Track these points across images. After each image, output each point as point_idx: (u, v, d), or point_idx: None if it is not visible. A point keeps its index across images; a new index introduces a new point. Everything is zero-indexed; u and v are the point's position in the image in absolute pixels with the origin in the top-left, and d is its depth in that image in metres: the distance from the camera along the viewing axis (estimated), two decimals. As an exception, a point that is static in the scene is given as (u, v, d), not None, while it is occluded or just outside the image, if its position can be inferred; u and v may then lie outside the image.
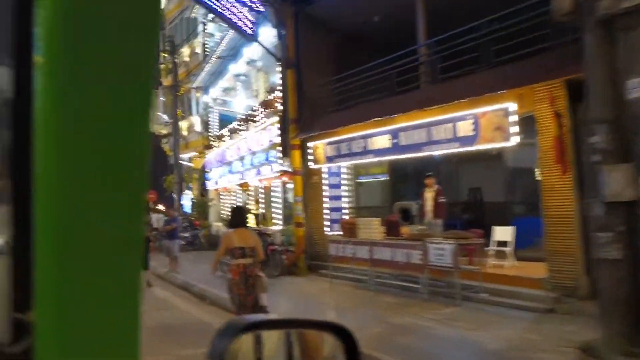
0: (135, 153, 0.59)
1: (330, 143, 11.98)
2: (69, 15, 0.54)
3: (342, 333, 0.96)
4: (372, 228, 10.20)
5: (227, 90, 21.53)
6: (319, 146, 12.35)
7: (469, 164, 11.60)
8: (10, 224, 0.62)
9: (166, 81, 27.02)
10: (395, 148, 9.94)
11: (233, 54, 18.11)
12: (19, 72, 0.61)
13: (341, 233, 12.46)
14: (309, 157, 12.73)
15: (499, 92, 7.82)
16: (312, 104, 13.15)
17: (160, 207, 23.52)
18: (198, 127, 23.83)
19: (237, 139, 17.86)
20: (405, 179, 13.33)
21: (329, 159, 12.19)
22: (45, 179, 0.56)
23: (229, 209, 18.96)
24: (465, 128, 8.44)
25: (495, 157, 10.72)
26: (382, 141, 10.33)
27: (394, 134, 9.95)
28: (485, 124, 8.05)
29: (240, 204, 12.37)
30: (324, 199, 13.09)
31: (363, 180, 13.68)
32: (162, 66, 27.44)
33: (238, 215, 6.54)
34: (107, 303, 0.59)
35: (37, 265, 0.58)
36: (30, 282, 0.60)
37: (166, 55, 26.53)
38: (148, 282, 11.72)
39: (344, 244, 10.70)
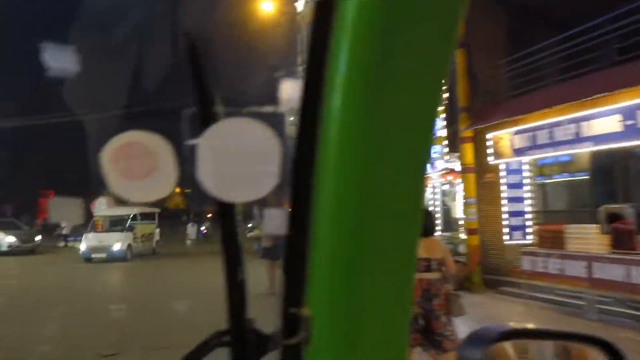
0: (418, 160, 0.61)
1: (519, 132, 9.81)
2: (371, 33, 0.56)
3: (610, 350, 0.86)
4: (589, 238, 7.90)
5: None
6: (504, 137, 10.23)
7: None
8: (288, 223, 0.65)
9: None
10: (631, 131, 7.49)
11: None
12: (309, 84, 0.63)
13: (528, 242, 10.37)
14: (488, 150, 10.66)
15: None
16: (487, 88, 11.08)
17: None
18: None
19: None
20: (610, 177, 10.64)
21: (518, 152, 10.02)
22: (328, 182, 0.60)
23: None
24: None
25: None
26: (607, 124, 7.92)
27: (628, 113, 7.52)
28: None
29: (428, 208, 10.65)
30: (502, 201, 10.94)
31: (549, 180, 11.24)
32: (301, 68, 27.11)
33: (426, 221, 5.07)
34: (379, 302, 0.61)
35: (312, 263, 0.62)
36: (305, 279, 0.63)
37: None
38: None
39: (545, 257, 8.51)
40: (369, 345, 0.61)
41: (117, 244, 19.41)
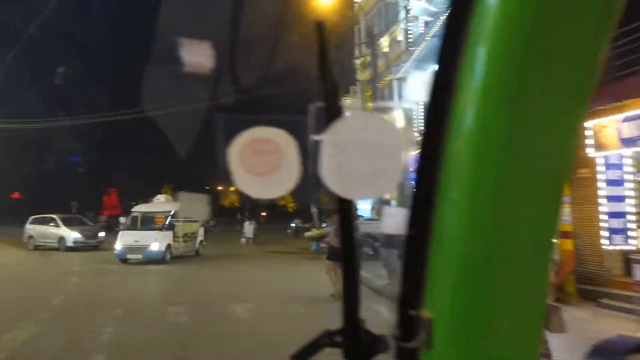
0: (560, 164, 0.58)
1: (630, 119, 8.42)
2: (515, 33, 0.53)
3: None
4: None
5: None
6: (608, 125, 8.87)
7: None
8: (409, 223, 0.63)
9: (364, 75, 25.60)
10: None
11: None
12: (442, 72, 0.61)
13: (631, 248, 8.98)
14: (586, 141, 9.31)
15: None
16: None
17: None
18: (401, 122, 21.79)
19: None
20: None
21: (627, 142, 8.62)
22: (458, 185, 0.57)
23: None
24: None
25: None
26: None
27: None
28: None
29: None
30: (600, 201, 9.55)
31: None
32: (359, 61, 26.17)
33: None
34: (508, 310, 0.58)
35: (434, 264, 0.60)
36: (424, 280, 0.61)
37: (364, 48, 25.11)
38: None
39: (666, 267, 7.16)
40: (495, 355, 0.58)
41: (155, 244, 17.20)
